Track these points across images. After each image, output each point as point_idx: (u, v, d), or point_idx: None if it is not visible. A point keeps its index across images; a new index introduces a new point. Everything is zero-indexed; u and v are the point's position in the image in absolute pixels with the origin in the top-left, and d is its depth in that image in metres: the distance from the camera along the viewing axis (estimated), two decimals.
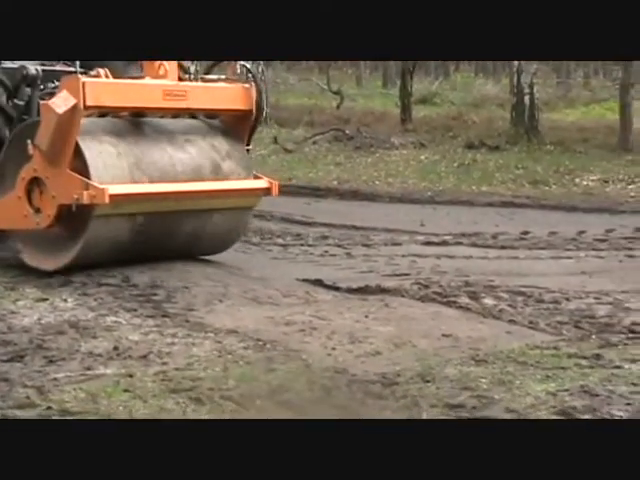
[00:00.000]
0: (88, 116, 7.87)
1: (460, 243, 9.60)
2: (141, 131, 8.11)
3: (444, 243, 9.58)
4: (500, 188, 14.38)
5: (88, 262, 7.68)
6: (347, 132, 18.34)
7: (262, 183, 8.59)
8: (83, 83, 7.48)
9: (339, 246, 9.36)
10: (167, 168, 8.02)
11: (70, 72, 8.59)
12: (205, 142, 8.40)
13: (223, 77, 8.75)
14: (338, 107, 23.43)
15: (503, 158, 16.52)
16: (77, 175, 7.48)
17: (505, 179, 15.04)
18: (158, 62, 8.18)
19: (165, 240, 8.08)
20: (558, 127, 19.40)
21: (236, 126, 8.63)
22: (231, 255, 8.79)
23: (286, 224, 10.74)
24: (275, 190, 8.58)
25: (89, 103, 7.52)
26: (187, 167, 8.15)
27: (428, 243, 9.58)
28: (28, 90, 8.46)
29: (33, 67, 8.46)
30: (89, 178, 7.47)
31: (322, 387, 5.00)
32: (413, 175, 15.33)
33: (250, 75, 8.72)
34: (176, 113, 8.57)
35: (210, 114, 8.69)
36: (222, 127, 8.65)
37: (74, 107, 7.43)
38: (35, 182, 7.74)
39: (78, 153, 7.55)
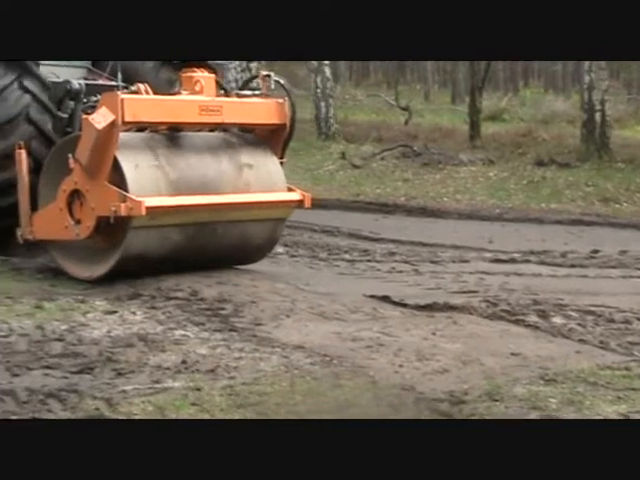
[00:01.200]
0: (126, 131, 8.07)
1: (529, 261, 9.51)
2: (177, 145, 8.32)
3: (512, 261, 9.50)
4: (570, 206, 14.25)
5: (125, 272, 7.85)
6: (415, 148, 18.30)
7: (295, 195, 8.79)
8: (121, 100, 7.73)
9: (406, 262, 9.32)
10: (202, 181, 8.22)
11: (112, 86, 9.09)
12: (240, 155, 8.60)
13: (257, 92, 8.89)
14: (406, 123, 23.39)
15: (573, 175, 16.36)
16: (115, 188, 7.72)
17: (575, 197, 14.89)
18: (195, 78, 8.44)
19: (200, 251, 8.25)
20: (629, 144, 19.16)
21: (270, 140, 8.84)
22: (298, 270, 8.81)
23: (353, 240, 10.73)
24: (307, 202, 8.78)
25: (127, 119, 7.77)
26: (222, 180, 8.37)
27: (496, 260, 9.50)
28: (72, 103, 8.76)
29: (76, 81, 8.76)
30: (126, 191, 7.71)
31: (389, 404, 4.98)
32: (481, 192, 15.25)
33: (284, 90, 8.92)
34: (212, 127, 8.72)
35: (245, 128, 8.86)
36: (257, 141, 8.85)
37: (113, 123, 7.69)
38: (75, 194, 7.97)
39: (116, 167, 7.80)
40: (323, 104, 20.48)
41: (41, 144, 8.78)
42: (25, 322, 6.52)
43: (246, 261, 8.73)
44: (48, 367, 5.54)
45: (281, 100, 8.78)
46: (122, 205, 7.64)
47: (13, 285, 7.81)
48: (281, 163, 8.84)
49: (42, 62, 9.10)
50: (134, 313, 6.91)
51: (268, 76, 8.86)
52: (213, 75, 8.75)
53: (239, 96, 8.87)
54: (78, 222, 8.00)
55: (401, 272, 8.87)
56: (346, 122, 22.60)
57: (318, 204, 13.50)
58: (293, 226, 11.41)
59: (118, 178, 7.79)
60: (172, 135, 8.37)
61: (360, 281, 8.45)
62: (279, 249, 9.85)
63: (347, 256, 9.66)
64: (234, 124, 8.76)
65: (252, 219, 8.57)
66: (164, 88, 9.12)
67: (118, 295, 7.46)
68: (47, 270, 8.33)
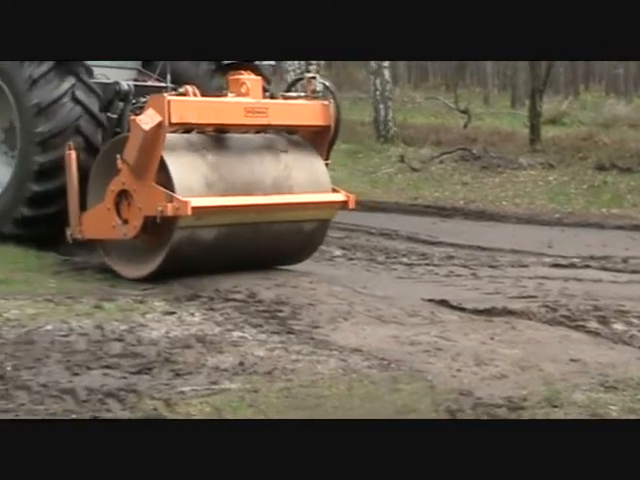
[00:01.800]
0: (174, 132, 8.23)
1: (589, 266, 9.41)
2: (223, 146, 8.44)
3: (572, 266, 9.40)
4: (631, 211, 14.08)
5: (171, 271, 7.98)
6: (474, 152, 18.20)
7: (339, 196, 8.88)
8: (168, 101, 7.86)
9: (465, 266, 9.27)
10: (247, 181, 8.34)
11: (161, 87, 9.31)
12: (285, 157, 8.69)
13: (303, 94, 8.97)
14: (465, 126, 23.27)
15: (635, 180, 16.16)
16: (162, 188, 7.84)
17: (637, 202, 14.70)
18: (241, 80, 8.58)
19: (245, 250, 8.37)
20: None
21: (315, 141, 8.93)
22: (356, 273, 8.81)
23: (411, 243, 10.69)
24: (352, 203, 8.88)
25: (173, 120, 7.90)
26: (267, 180, 8.48)
27: (556, 265, 9.41)
28: (121, 104, 8.86)
29: (125, 83, 8.90)
30: (173, 191, 7.83)
31: (447, 409, 4.95)
32: (541, 196, 15.12)
33: (329, 92, 8.99)
34: (258, 129, 8.83)
35: (290, 130, 8.96)
36: (302, 142, 8.94)
37: (159, 124, 7.81)
38: (123, 194, 8.09)
39: (163, 167, 7.92)
40: (382, 107, 20.44)
41: (89, 155, 8.88)
42: (85, 322, 6.58)
43: (290, 261, 8.86)
44: (107, 367, 5.58)
45: (326, 102, 8.87)
46: (169, 205, 7.76)
47: (73, 285, 7.89)
48: (326, 164, 8.93)
49: (93, 64, 9.27)
50: (192, 314, 6.95)
51: (313, 78, 9.00)
52: (260, 78, 8.83)
53: (285, 98, 8.95)
54: (125, 222, 8.13)
55: (459, 276, 8.82)
56: (405, 125, 22.53)
57: (376, 207, 13.58)
58: (350, 229, 11.42)
59: (165, 178, 7.91)
60: (218, 136, 8.49)
61: (418, 285, 8.42)
62: (337, 252, 9.86)
63: (405, 259, 9.62)
64: (279, 126, 8.85)
65: (296, 220, 8.69)
66: (207, 84, 9.36)
67: (177, 296, 7.51)
68: (107, 270, 8.40)
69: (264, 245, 8.50)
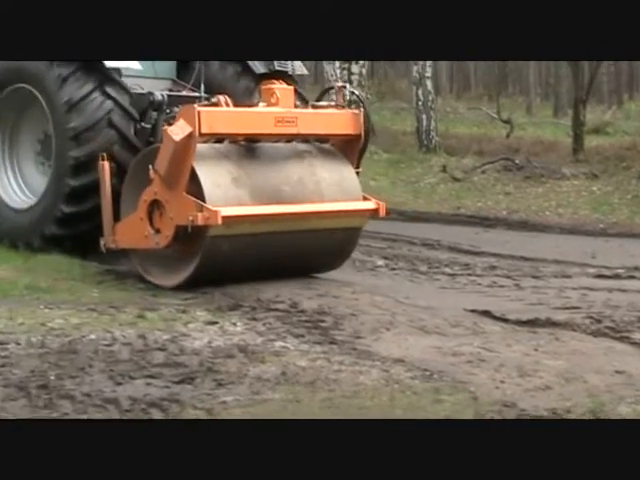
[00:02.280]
0: (205, 142, 8.33)
1: (633, 277, 9.31)
2: (254, 155, 8.52)
3: (617, 276, 9.32)
4: None
5: (203, 280, 8.06)
6: (517, 161, 18.10)
7: (370, 204, 8.91)
8: (198, 112, 7.93)
9: (508, 277, 9.21)
10: (278, 190, 8.41)
11: (194, 97, 9.43)
12: (315, 165, 8.76)
13: (333, 103, 9.05)
14: (508, 136, 23.16)
15: None
16: (192, 198, 7.93)
17: None
18: (272, 90, 8.67)
19: (275, 259, 8.44)
20: None
21: (346, 150, 9.00)
22: (398, 283, 8.78)
23: (454, 253, 10.64)
24: (382, 211, 8.89)
25: (204, 131, 7.97)
26: (297, 189, 8.54)
27: (600, 276, 9.33)
28: (154, 114, 9.10)
29: (159, 93, 9.08)
30: (204, 201, 7.91)
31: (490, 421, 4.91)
32: (584, 206, 15.01)
33: (359, 101, 9.13)
34: (288, 138, 8.90)
35: (321, 139, 9.05)
36: (332, 151, 9.02)
37: (190, 135, 7.89)
38: (155, 204, 8.18)
39: (194, 177, 8.00)
40: (424, 117, 20.40)
41: (123, 149, 9.03)
42: (128, 331, 6.61)
43: (322, 269, 8.94)
44: (150, 376, 5.60)
45: (356, 111, 8.96)
46: (199, 215, 7.84)
47: (116, 294, 7.93)
48: (357, 173, 8.97)
49: (127, 74, 9.40)
50: (235, 324, 6.95)
51: (344, 87, 9.07)
52: (291, 87, 8.92)
53: (315, 107, 9.02)
54: (158, 231, 8.21)
55: (502, 287, 8.77)
56: (447, 135, 22.47)
57: (418, 217, 13.55)
58: (393, 239, 11.40)
59: (195, 188, 7.99)
60: (249, 146, 8.57)
61: (461, 295, 8.38)
62: (379, 262, 9.84)
63: (447, 270, 9.58)
64: (309, 135, 8.92)
65: (327, 228, 8.74)
66: (243, 96, 9.44)
67: (219, 306, 7.52)
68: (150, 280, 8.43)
69: (295, 253, 8.58)
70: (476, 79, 49.37)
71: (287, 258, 8.53)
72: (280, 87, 8.76)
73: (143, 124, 9.12)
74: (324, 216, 8.67)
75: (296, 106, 8.87)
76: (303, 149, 8.95)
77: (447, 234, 11.85)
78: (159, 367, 5.79)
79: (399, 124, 25.43)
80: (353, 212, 8.89)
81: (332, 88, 9.41)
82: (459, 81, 49.07)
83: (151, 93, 9.26)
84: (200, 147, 8.12)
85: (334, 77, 24.17)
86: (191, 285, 8.07)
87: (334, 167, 8.87)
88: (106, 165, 8.48)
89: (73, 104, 9.06)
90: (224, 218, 7.84)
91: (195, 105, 8.10)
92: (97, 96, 9.08)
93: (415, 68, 20.71)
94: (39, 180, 9.66)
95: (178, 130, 7.91)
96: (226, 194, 8.10)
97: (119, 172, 8.63)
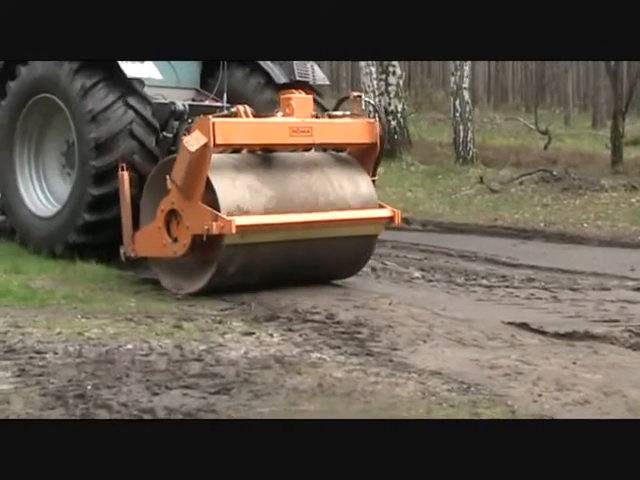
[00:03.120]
0: (222, 152, 8.50)
1: None
2: (269, 165, 8.66)
3: None
4: None
5: (220, 288, 8.21)
6: (555, 173, 17.99)
7: (385, 212, 9.05)
8: (213, 123, 8.07)
9: (545, 289, 9.14)
10: (293, 199, 8.55)
11: (216, 107, 9.66)
12: (331, 174, 8.90)
13: (348, 113, 9.16)
14: (545, 147, 23.04)
15: None
16: (208, 207, 8.08)
17: None
18: (288, 100, 8.81)
19: (291, 267, 8.60)
20: None
21: (362, 158, 9.14)
22: (435, 295, 8.74)
23: (491, 265, 10.58)
24: (398, 219, 9.04)
25: (218, 141, 8.11)
26: (313, 198, 8.68)
27: (639, 289, 9.24)
28: (176, 124, 9.31)
29: (180, 103, 9.29)
30: (219, 210, 8.05)
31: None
32: (623, 218, 14.88)
33: (375, 110, 9.29)
34: (306, 147, 9.09)
35: (337, 148, 9.22)
36: (349, 160, 9.16)
37: (205, 145, 8.02)
38: (173, 214, 8.33)
39: (209, 187, 8.14)
40: (461, 128, 20.32)
41: (144, 158, 9.23)
42: (165, 341, 6.62)
43: (338, 277, 9.10)
44: (187, 387, 5.60)
45: (372, 120, 9.08)
46: (214, 224, 7.99)
47: (153, 304, 7.96)
48: (373, 181, 9.11)
49: (151, 84, 9.55)
50: (271, 335, 6.95)
51: (359, 97, 9.14)
52: (310, 97, 9.05)
53: (330, 117, 9.12)
54: (175, 240, 8.35)
55: (540, 299, 8.70)
56: (484, 146, 22.39)
57: (455, 228, 13.48)
58: (430, 250, 11.35)
59: (211, 198, 8.13)
60: (265, 155, 8.72)
61: (498, 307, 8.33)
62: (416, 273, 9.79)
63: (484, 281, 9.53)
64: (324, 144, 9.09)
65: (343, 236, 8.86)
66: (267, 107, 9.57)
67: (255, 317, 7.52)
68: None
69: (311, 261, 8.74)
70: (513, 90, 49.19)
71: (303, 266, 8.69)
72: (298, 97, 8.88)
73: (165, 133, 9.30)
74: (340, 224, 8.80)
75: (315, 116, 8.97)
76: (319, 158, 9.12)
77: (484, 246, 11.79)
78: (195, 378, 5.79)
79: (436, 135, 25.37)
80: (368, 220, 9.00)
81: (347, 97, 9.53)
82: (496, 92, 48.91)
83: (173, 103, 9.44)
84: (216, 157, 8.26)
85: (371, 87, 24.21)
86: (209, 292, 8.20)
87: (350, 176, 8.99)
88: (125, 175, 8.64)
89: (95, 114, 9.25)
90: (238, 227, 7.98)
91: (210, 116, 8.22)
92: (119, 107, 9.27)
93: (452, 79, 20.66)
94: (63, 188, 9.83)
95: (193, 141, 8.05)
96: (241, 203, 8.23)
97: (140, 182, 8.80)
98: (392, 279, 9.50)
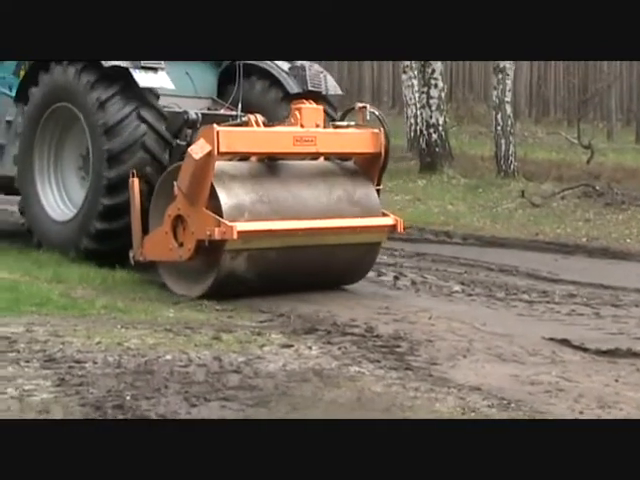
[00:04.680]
0: (230, 160, 8.83)
1: None
2: (274, 173, 8.94)
3: None
4: None
5: (223, 291, 8.45)
6: (597, 188, 17.85)
7: (388, 220, 9.31)
8: (217, 132, 8.33)
9: (587, 305, 9.05)
10: (295, 206, 8.83)
11: (230, 116, 10.00)
12: (335, 182, 9.18)
13: (353, 123, 9.45)
14: (588, 162, 22.87)
15: None
16: (211, 213, 8.34)
17: None
18: (295, 109, 9.10)
19: (295, 273, 8.84)
20: None
21: (366, 168, 9.39)
22: (475, 309, 8.69)
23: (532, 280, 10.49)
24: (400, 227, 9.30)
25: (222, 150, 8.37)
26: (316, 205, 8.96)
27: None
28: (189, 132, 9.56)
29: (193, 112, 9.66)
30: (222, 216, 8.30)
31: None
32: None
33: (380, 121, 9.43)
34: (307, 157, 9.34)
35: (341, 157, 9.47)
36: (353, 169, 9.44)
37: (209, 153, 8.30)
38: (179, 219, 8.59)
39: (213, 193, 8.40)
40: (503, 141, 20.20)
41: (155, 171, 9.41)
42: (203, 353, 6.62)
43: (341, 283, 9.32)
44: (225, 399, 5.59)
45: (376, 130, 9.25)
46: (216, 229, 8.25)
47: (192, 315, 7.96)
48: (378, 190, 9.37)
49: (168, 93, 9.80)
50: (310, 348, 6.93)
51: (364, 107, 9.36)
52: (320, 107, 9.35)
53: (335, 127, 9.38)
54: (181, 245, 8.60)
55: (581, 315, 8.62)
56: (526, 160, 22.25)
57: (496, 242, 13.39)
58: (470, 264, 11.28)
59: (215, 204, 8.38)
60: (270, 164, 8.98)
61: (539, 323, 8.26)
62: (455, 287, 9.73)
63: (525, 296, 9.45)
64: (328, 153, 9.34)
65: (345, 243, 9.09)
66: (276, 113, 9.89)
67: (294, 329, 7.50)
68: (225, 302, 8.46)
69: (314, 268, 8.95)
70: (555, 104, 48.95)
71: (306, 272, 8.90)
72: (306, 107, 9.14)
73: (178, 141, 9.54)
74: (342, 232, 9.04)
75: (325, 126, 9.24)
76: (324, 166, 9.39)
77: (525, 260, 11.70)
78: (234, 390, 5.78)
79: (477, 148, 25.25)
80: (371, 228, 9.25)
81: (353, 108, 9.70)
82: (538, 105, 48.70)
83: (186, 112, 9.69)
84: (222, 164, 8.56)
85: (413, 100, 24.19)
86: (214, 296, 8.41)
87: (354, 184, 9.25)
88: (136, 181, 8.91)
89: (109, 127, 9.48)
90: (240, 233, 8.23)
91: (214, 125, 8.44)
92: (132, 120, 9.49)
93: (494, 93, 20.56)
94: (80, 194, 10.03)
95: (198, 149, 8.32)
96: (244, 210, 8.49)
97: (150, 193, 9.04)
98: (432, 293, 9.45)
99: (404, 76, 25.11)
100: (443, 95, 21.17)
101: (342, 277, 9.31)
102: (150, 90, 9.58)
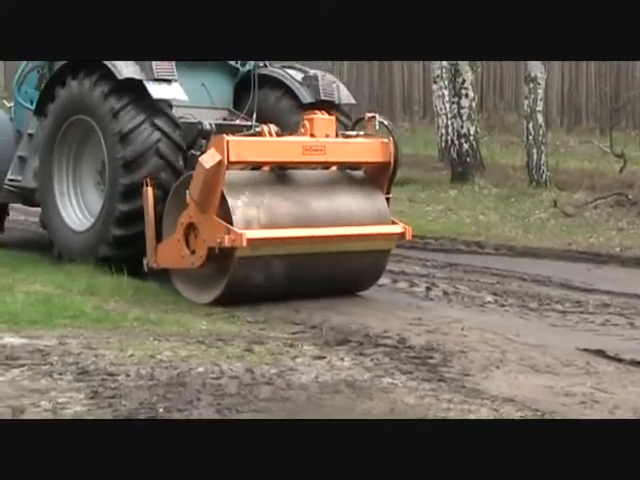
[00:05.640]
0: (242, 169, 9.07)
1: None
2: (285, 182, 9.16)
3: None
4: None
5: (234, 298, 8.61)
6: (630, 197, 17.73)
7: (397, 228, 9.53)
8: (227, 142, 8.56)
9: (621, 315, 8.98)
10: (306, 214, 9.02)
11: (244, 126, 10.25)
12: (345, 191, 9.40)
13: (362, 133, 9.66)
14: (621, 171, 22.70)
15: None
16: (221, 221, 8.54)
17: None
18: (305, 120, 9.33)
19: (305, 280, 9.03)
20: None
21: (376, 177, 9.61)
22: (508, 320, 8.64)
23: (565, 290, 10.43)
24: (409, 235, 9.52)
25: (232, 159, 8.60)
26: (325, 213, 9.15)
27: None
28: (204, 142, 9.74)
29: (207, 122, 9.83)
30: (232, 224, 8.48)
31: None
32: None
33: (388, 130, 9.63)
34: (317, 166, 9.57)
35: (351, 166, 9.67)
36: (363, 177, 9.67)
37: (219, 163, 8.52)
38: (191, 227, 8.80)
39: (223, 202, 8.60)
40: (535, 151, 20.09)
41: (170, 177, 9.59)
42: (235, 365, 6.61)
43: (350, 290, 9.44)
44: (257, 411, 5.58)
45: (385, 140, 9.46)
46: (226, 237, 8.45)
47: (224, 327, 7.96)
48: (387, 199, 9.59)
49: (184, 104, 10.00)
50: (342, 359, 6.91)
51: (373, 117, 9.54)
52: (332, 117, 9.57)
53: (345, 137, 9.57)
54: (193, 252, 8.80)
55: (616, 325, 8.55)
56: (558, 169, 22.12)
57: (529, 252, 13.32)
58: (502, 274, 11.23)
59: (225, 212, 8.59)
60: (281, 173, 9.20)
61: (572, 333, 8.20)
62: (488, 297, 9.69)
63: (558, 307, 9.39)
64: (337, 162, 9.56)
65: (354, 250, 9.29)
66: (290, 123, 10.08)
67: (326, 340, 7.49)
68: (257, 313, 8.46)
69: (323, 275, 9.14)
70: (587, 112, 48.71)
71: (315, 280, 9.09)
72: (317, 117, 9.37)
73: (192, 151, 9.71)
74: (351, 239, 9.24)
75: (336, 135, 9.44)
76: (334, 175, 9.60)
77: (558, 270, 11.63)
78: (266, 401, 5.77)
79: (508, 158, 25.12)
80: (380, 235, 9.44)
81: (363, 119, 9.91)
82: (570, 114, 48.49)
83: (200, 122, 9.88)
84: (232, 173, 8.75)
85: (443, 110, 24.14)
86: (225, 302, 8.61)
87: (363, 193, 9.47)
88: (149, 190, 9.14)
89: (124, 135, 9.66)
90: (249, 240, 8.42)
91: (224, 135, 8.66)
92: (146, 127, 9.70)
93: (526, 102, 20.47)
94: (98, 203, 10.19)
95: (209, 158, 8.54)
96: (254, 218, 8.68)
97: (164, 199, 9.24)
98: (464, 303, 9.41)
99: (435, 86, 25.06)
100: (474, 105, 21.11)
101: (352, 284, 9.47)
102: (164, 100, 9.78)
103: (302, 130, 9.31)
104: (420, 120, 41.91)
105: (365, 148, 9.55)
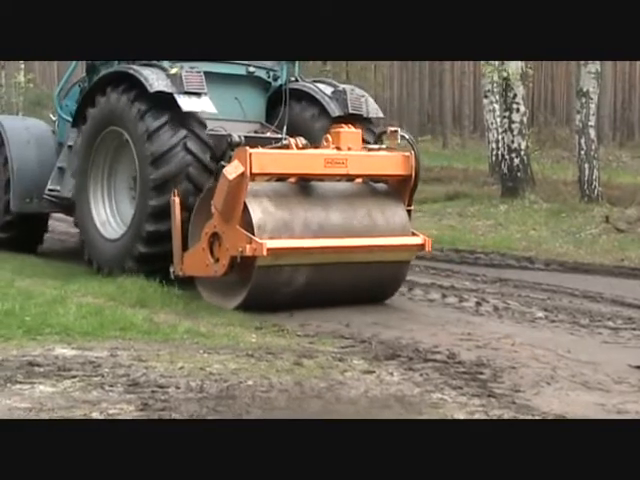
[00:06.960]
0: (268, 180, 9.42)
1: None
2: (307, 193, 9.37)
3: None
4: None
5: (255, 305, 8.88)
6: None
7: (417, 240, 9.74)
8: (250, 154, 8.84)
9: None
10: (326, 225, 9.25)
11: (273, 138, 10.44)
12: (366, 203, 9.62)
13: (384, 146, 9.94)
14: None
15: None
16: (243, 231, 8.81)
17: None
18: (330, 132, 9.67)
19: (325, 291, 9.23)
20: None
21: (397, 189, 9.86)
22: (558, 336, 8.57)
23: (617, 307, 10.34)
24: (428, 246, 9.71)
25: (254, 170, 8.87)
26: (346, 224, 9.37)
27: None
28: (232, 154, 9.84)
29: (237, 135, 9.82)
30: (253, 234, 8.72)
31: None
32: None
33: (410, 144, 9.78)
34: (348, 178, 9.82)
35: (374, 179, 9.87)
36: (385, 190, 9.88)
37: (242, 174, 8.79)
38: (215, 236, 9.08)
39: (246, 212, 8.86)
40: (587, 166, 19.95)
41: (197, 199, 9.76)
42: (285, 378, 6.62)
43: (370, 300, 9.57)
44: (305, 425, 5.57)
45: (407, 153, 9.69)
46: (247, 246, 8.73)
47: (274, 341, 7.98)
48: (409, 211, 9.85)
49: (216, 118, 10.26)
50: (391, 374, 6.89)
51: (396, 131, 9.77)
52: (358, 130, 9.82)
53: (368, 150, 9.79)
54: (217, 261, 9.09)
55: None
56: (610, 184, 21.95)
57: (580, 268, 13.22)
58: (553, 290, 11.16)
59: (247, 222, 8.84)
60: (303, 184, 9.42)
61: (624, 350, 8.12)
62: (539, 313, 9.62)
63: (610, 323, 9.30)
64: (358, 175, 9.77)
65: (374, 261, 9.49)
66: (319, 136, 10.16)
67: (376, 355, 7.47)
68: (308, 328, 8.47)
69: (343, 285, 9.35)
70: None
71: (335, 290, 9.29)
72: (343, 130, 9.65)
73: (222, 163, 9.80)
74: (371, 250, 9.43)
75: (363, 148, 9.69)
76: (356, 188, 9.84)
77: (610, 286, 11.53)
78: (315, 416, 5.76)
79: (560, 173, 24.97)
80: (400, 247, 9.66)
81: (385, 132, 10.08)
82: (622, 129, 48.13)
83: (229, 135, 9.96)
84: (256, 185, 9.04)
85: (494, 125, 24.05)
86: (246, 309, 8.88)
87: (385, 204, 9.71)
88: (177, 201, 9.42)
89: (157, 157, 9.93)
90: (269, 250, 8.66)
91: (247, 147, 8.92)
92: (179, 151, 9.97)
93: (578, 117, 20.33)
94: (130, 212, 10.44)
95: (232, 169, 8.79)
96: (275, 228, 8.93)
97: (189, 218, 9.57)
98: (515, 319, 9.35)
99: (485, 100, 24.98)
100: (525, 119, 21.00)
101: (371, 294, 9.63)
102: (196, 118, 10.02)
103: (324, 143, 9.57)
104: (470, 135, 41.83)
105: (387, 161, 9.76)
